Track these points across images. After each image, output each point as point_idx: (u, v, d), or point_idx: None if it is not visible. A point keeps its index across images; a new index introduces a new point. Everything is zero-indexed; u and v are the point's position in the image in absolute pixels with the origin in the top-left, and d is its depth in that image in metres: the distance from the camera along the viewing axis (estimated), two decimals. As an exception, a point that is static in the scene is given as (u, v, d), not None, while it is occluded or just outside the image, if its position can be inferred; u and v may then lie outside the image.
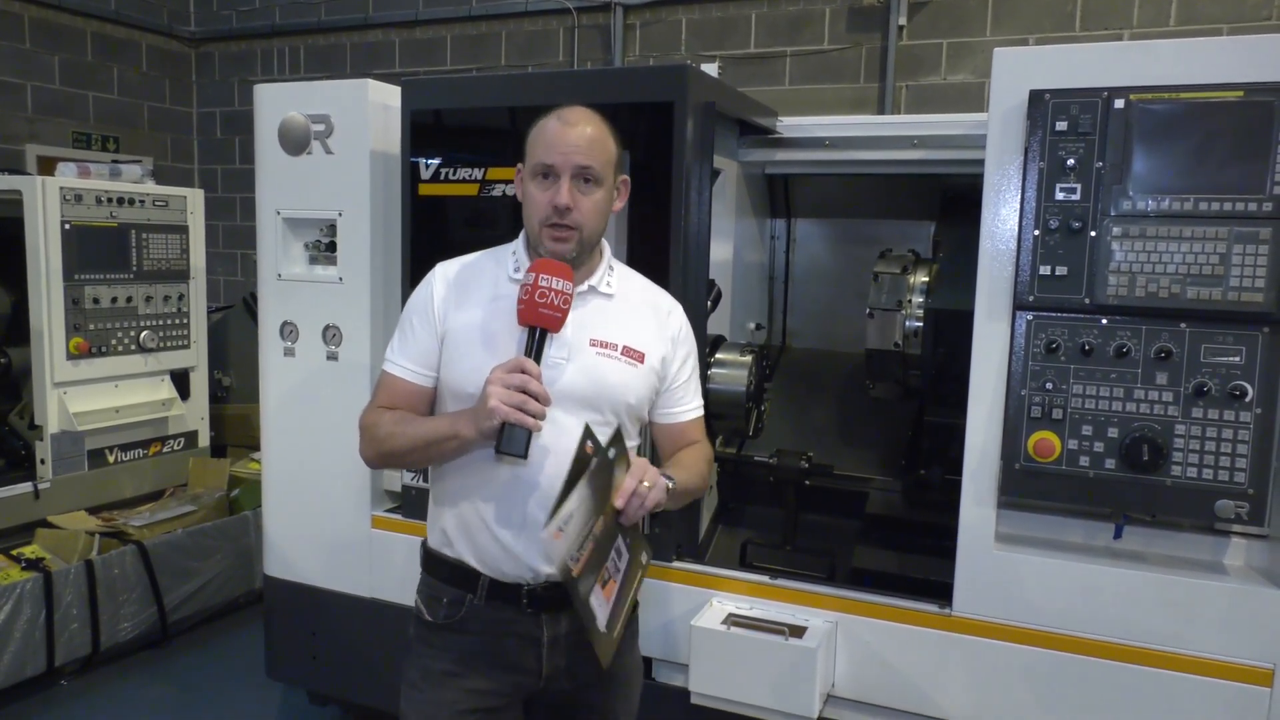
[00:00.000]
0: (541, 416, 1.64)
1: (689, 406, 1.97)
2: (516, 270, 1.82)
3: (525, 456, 1.65)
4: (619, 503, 1.66)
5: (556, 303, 1.69)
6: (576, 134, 1.73)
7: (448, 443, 1.74)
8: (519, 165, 1.82)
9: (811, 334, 3.56)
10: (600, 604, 1.69)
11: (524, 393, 1.62)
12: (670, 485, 1.75)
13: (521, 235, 1.87)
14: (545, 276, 1.69)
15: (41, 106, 6.67)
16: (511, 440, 1.63)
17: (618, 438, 1.70)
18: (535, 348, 1.70)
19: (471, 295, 1.84)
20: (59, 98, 6.78)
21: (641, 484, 1.67)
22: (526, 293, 1.69)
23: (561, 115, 1.76)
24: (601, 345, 1.81)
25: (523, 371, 1.64)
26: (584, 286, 1.82)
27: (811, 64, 5.72)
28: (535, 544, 1.77)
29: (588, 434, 1.67)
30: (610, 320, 1.84)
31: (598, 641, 1.69)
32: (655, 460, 1.92)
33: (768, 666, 2.29)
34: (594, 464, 1.65)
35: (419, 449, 1.78)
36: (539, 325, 1.70)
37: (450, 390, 1.82)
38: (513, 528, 1.78)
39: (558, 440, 1.74)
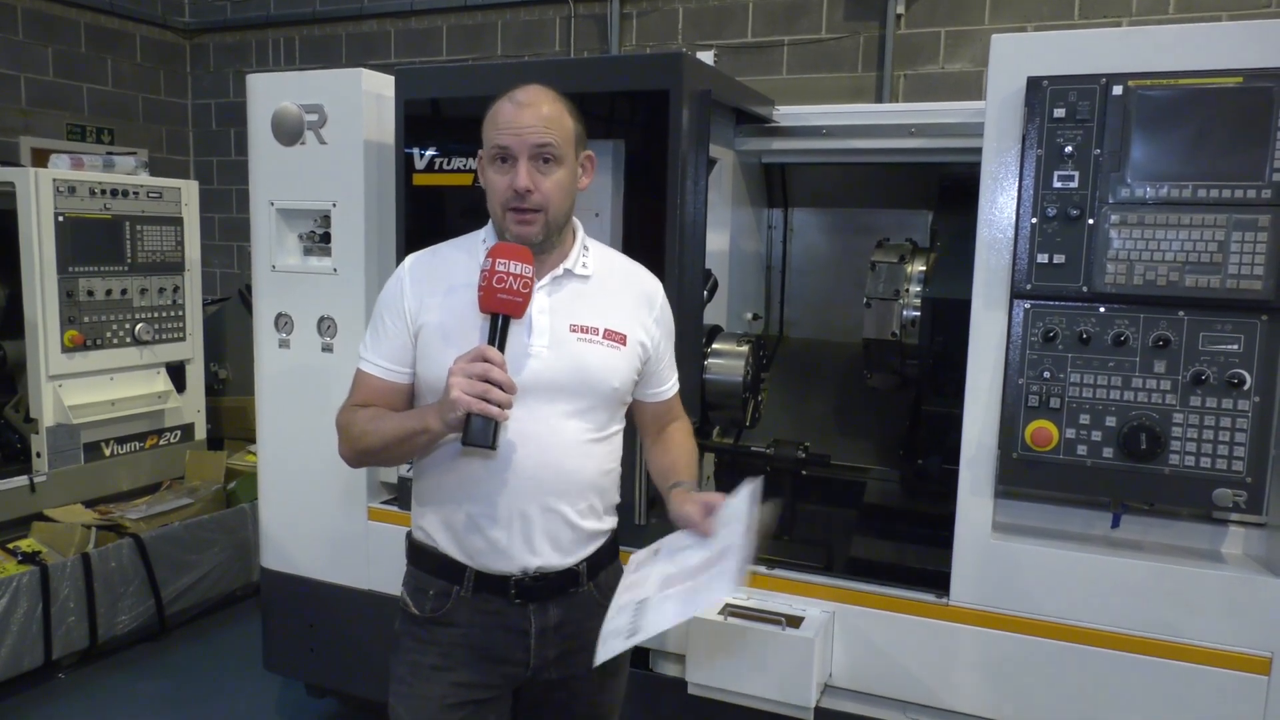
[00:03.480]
0: (507, 406, 1.58)
1: (670, 383, 1.99)
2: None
3: (493, 448, 1.60)
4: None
5: (515, 287, 1.63)
6: (530, 114, 1.68)
7: (418, 437, 1.69)
8: (479, 152, 1.78)
9: (809, 324, 3.55)
10: None
11: (487, 381, 1.56)
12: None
13: (489, 223, 1.82)
14: (502, 261, 1.63)
15: (35, 98, 6.64)
16: (476, 431, 1.57)
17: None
18: (499, 335, 1.65)
19: (442, 287, 1.79)
20: (53, 89, 6.74)
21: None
22: (485, 279, 1.63)
23: (513, 96, 1.71)
24: (582, 330, 1.76)
25: (485, 360, 1.58)
26: (559, 270, 1.78)
27: (809, 53, 5.69)
28: (520, 538, 1.75)
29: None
30: (589, 303, 1.79)
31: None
32: (632, 437, 1.96)
33: (765, 657, 2.29)
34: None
35: (392, 445, 1.73)
36: (499, 312, 1.64)
37: (428, 385, 1.77)
38: (496, 524, 1.75)
39: (536, 429, 1.72)
